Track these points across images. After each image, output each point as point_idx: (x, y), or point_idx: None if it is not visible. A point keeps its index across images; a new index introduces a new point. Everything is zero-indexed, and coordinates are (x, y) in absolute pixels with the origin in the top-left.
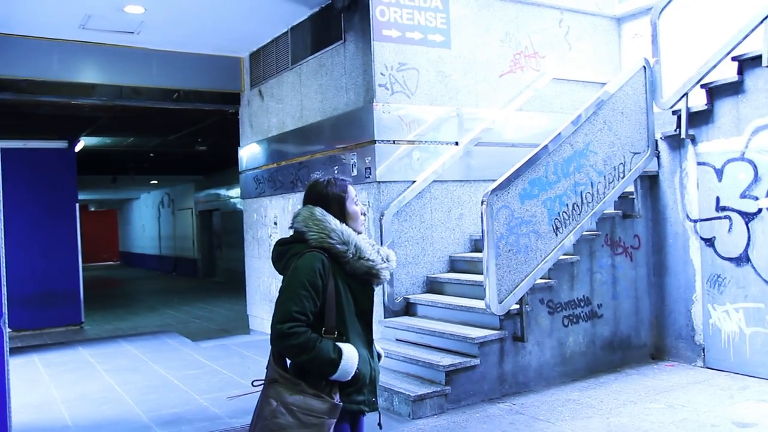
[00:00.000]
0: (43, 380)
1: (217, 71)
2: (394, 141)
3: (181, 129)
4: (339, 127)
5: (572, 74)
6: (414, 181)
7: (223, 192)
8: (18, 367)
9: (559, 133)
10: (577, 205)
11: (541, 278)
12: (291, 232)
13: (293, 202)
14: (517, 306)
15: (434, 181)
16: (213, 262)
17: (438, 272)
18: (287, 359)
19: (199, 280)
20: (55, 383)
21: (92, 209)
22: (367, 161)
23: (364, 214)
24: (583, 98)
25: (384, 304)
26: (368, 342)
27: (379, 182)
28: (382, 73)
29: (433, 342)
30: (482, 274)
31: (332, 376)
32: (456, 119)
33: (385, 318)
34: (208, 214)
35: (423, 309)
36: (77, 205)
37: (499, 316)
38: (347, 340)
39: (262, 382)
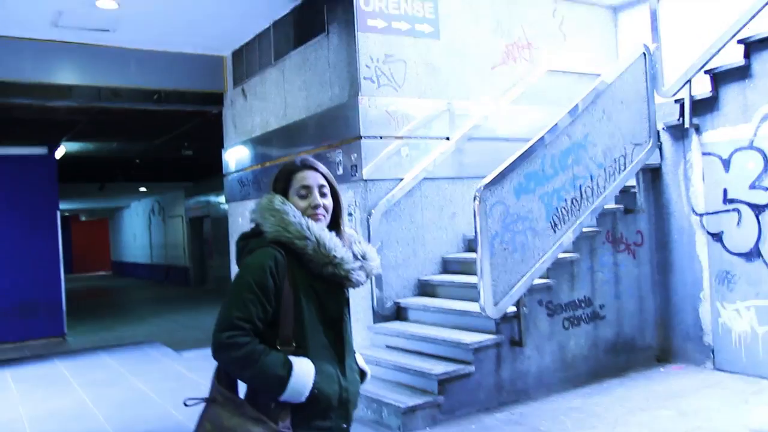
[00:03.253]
0: (12, 397)
1: (199, 71)
2: (381, 137)
3: (165, 133)
4: (324, 124)
5: (568, 66)
6: (403, 179)
7: (213, 198)
8: None
9: (556, 124)
10: (576, 200)
11: (539, 278)
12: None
13: None
14: (514, 308)
15: (425, 178)
16: (204, 269)
17: (430, 274)
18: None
19: (191, 289)
20: (24, 400)
21: (83, 219)
22: (353, 159)
23: (320, 207)
24: (580, 91)
25: (373, 308)
26: (338, 356)
27: (366, 180)
28: (367, 66)
29: (425, 348)
30: (476, 275)
31: (281, 397)
32: (447, 113)
33: (374, 323)
34: (198, 221)
35: (415, 313)
36: (58, 213)
37: (495, 319)
38: (306, 354)
39: (196, 401)
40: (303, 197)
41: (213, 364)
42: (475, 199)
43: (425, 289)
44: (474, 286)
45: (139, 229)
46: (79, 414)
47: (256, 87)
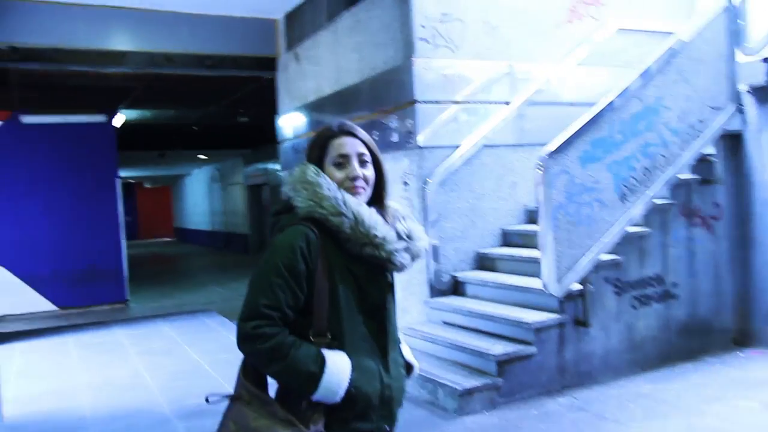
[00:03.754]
0: (72, 364)
1: (252, 35)
2: (437, 101)
3: (220, 99)
4: (377, 88)
5: (639, 24)
6: (461, 146)
7: (270, 166)
8: (50, 349)
9: (627, 87)
10: (648, 169)
11: (606, 254)
12: None
13: None
14: (579, 286)
15: (484, 146)
16: (263, 237)
17: (489, 247)
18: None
19: (250, 256)
20: (83, 367)
21: (147, 186)
22: (408, 125)
23: (359, 179)
24: (652, 51)
25: (429, 282)
26: (381, 349)
27: (421, 148)
28: (422, 26)
29: (483, 326)
30: (538, 248)
31: (313, 396)
32: (507, 76)
33: (430, 298)
34: (257, 189)
35: (473, 288)
36: (118, 180)
37: (559, 297)
38: (342, 347)
39: (219, 397)
40: (340, 167)
41: None
42: (537, 167)
43: (484, 262)
44: (536, 261)
45: (200, 196)
46: (133, 383)
47: (308, 51)
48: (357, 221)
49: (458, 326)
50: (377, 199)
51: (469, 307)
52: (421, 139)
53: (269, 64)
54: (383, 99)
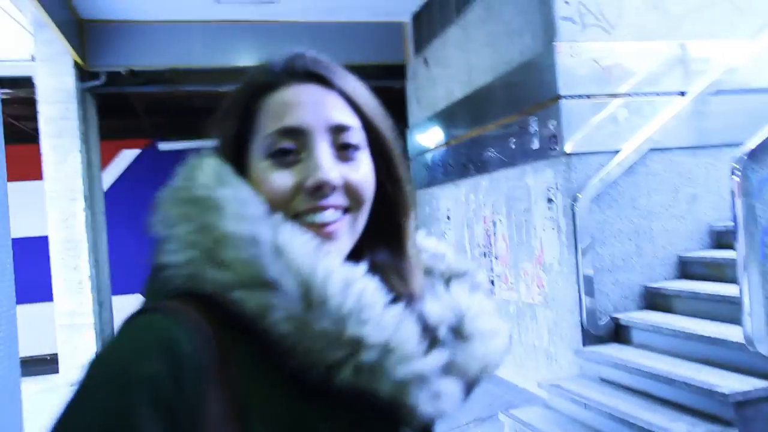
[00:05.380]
0: None
1: (377, 41)
2: (588, 96)
3: None
4: (513, 85)
5: None
6: (620, 152)
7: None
8: None
9: None
10: None
11: None
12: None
13: (465, 190)
14: None
15: (651, 149)
16: None
17: (662, 280)
18: None
19: None
20: None
21: None
22: (551, 127)
23: (333, 193)
24: None
25: (582, 325)
26: None
27: (569, 155)
28: (566, 2)
29: (656, 390)
30: (736, 283)
31: None
32: (679, 61)
33: (584, 347)
34: None
35: (640, 335)
36: None
37: None
38: None
39: None
40: (285, 162)
41: None
42: (733, 173)
43: (655, 300)
44: (731, 300)
45: None
46: None
47: (437, 52)
48: (309, 303)
49: (620, 386)
50: (386, 237)
51: (637, 361)
52: (568, 144)
53: (398, 71)
54: (521, 97)
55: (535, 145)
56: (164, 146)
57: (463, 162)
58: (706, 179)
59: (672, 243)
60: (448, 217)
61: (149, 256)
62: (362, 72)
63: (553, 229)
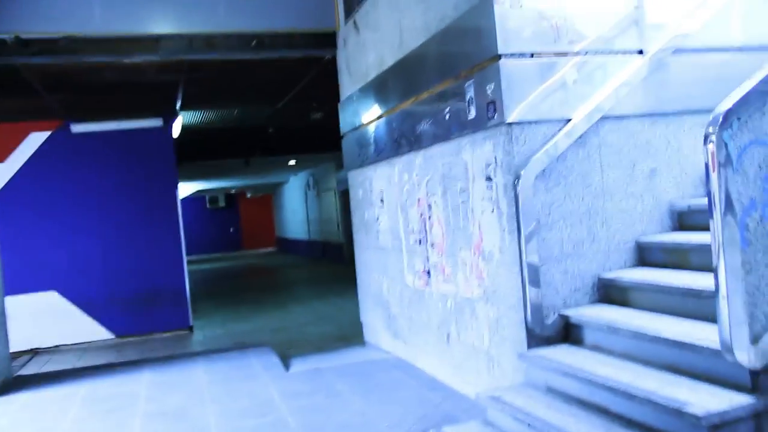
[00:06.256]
0: (61, 429)
1: (303, 3)
2: (532, 54)
3: (283, 93)
4: (447, 45)
5: None
6: (570, 120)
7: None
8: (52, 403)
9: None
10: None
11: None
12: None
13: (398, 169)
14: None
15: (604, 117)
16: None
17: (617, 269)
18: None
19: (345, 266)
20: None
21: (249, 196)
22: (489, 92)
23: None
24: None
25: (526, 324)
26: None
27: (510, 124)
28: None
29: (614, 405)
30: (701, 270)
31: None
32: (635, 14)
33: (528, 349)
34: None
35: (593, 335)
36: (177, 192)
37: (752, 367)
38: None
39: None
40: None
41: (315, 390)
42: (706, 140)
43: (610, 293)
44: (700, 294)
45: (297, 204)
46: None
47: (368, 14)
48: None
49: (571, 398)
50: None
51: (590, 369)
52: (509, 111)
53: (328, 40)
54: (456, 60)
55: (472, 114)
56: (78, 128)
57: (396, 137)
58: (666, 151)
59: (628, 226)
60: (382, 200)
61: None
62: (287, 41)
63: (492, 211)
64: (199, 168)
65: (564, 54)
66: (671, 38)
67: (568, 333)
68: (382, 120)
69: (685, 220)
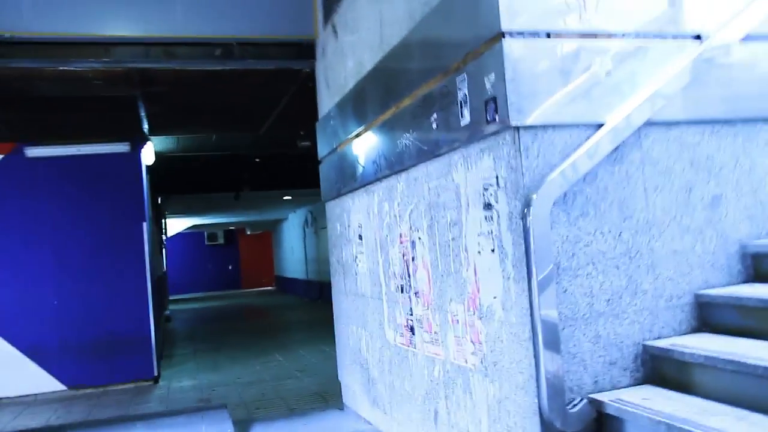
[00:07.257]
0: None
1: (279, 9)
2: (548, 34)
3: (263, 116)
4: (434, 31)
5: None
6: (602, 125)
7: None
8: None
9: None
10: None
11: None
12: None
13: (378, 198)
14: None
15: (648, 123)
16: None
17: (669, 333)
18: None
19: None
20: None
21: (249, 233)
22: (488, 86)
23: None
24: None
25: (540, 412)
26: None
27: (517, 128)
28: None
29: None
30: None
31: None
32: None
33: None
34: None
35: None
36: (145, 227)
37: None
38: None
39: None
40: None
41: None
42: None
43: (662, 370)
44: None
45: (295, 242)
46: None
47: (346, 13)
48: None
49: None
50: None
51: None
52: (516, 112)
53: (307, 50)
54: (445, 49)
55: (465, 118)
56: (33, 152)
57: (374, 159)
58: (734, 172)
59: (684, 273)
60: (360, 237)
61: None
62: (259, 51)
63: (492, 251)
64: (187, 201)
65: (593, 35)
66: (739, 20)
67: (602, 427)
68: (360, 138)
69: (763, 266)
